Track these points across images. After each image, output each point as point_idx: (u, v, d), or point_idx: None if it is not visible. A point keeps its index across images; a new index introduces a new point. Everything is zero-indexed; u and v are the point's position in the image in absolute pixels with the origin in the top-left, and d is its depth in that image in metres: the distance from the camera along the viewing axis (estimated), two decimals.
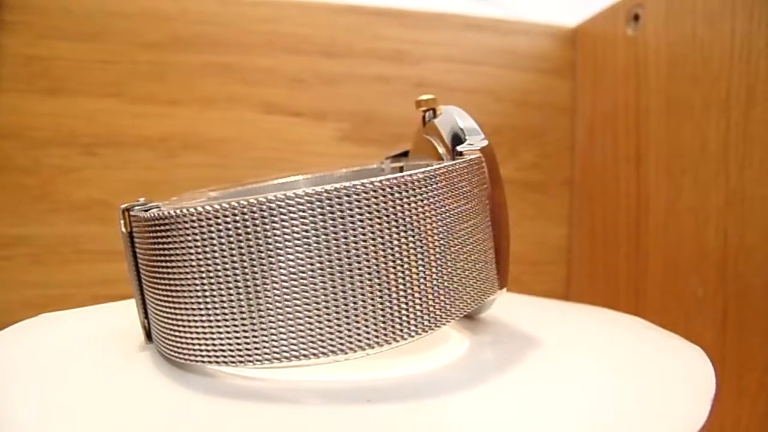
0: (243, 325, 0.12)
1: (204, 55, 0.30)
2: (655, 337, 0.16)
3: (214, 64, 0.30)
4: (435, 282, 0.12)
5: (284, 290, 0.12)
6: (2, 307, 0.27)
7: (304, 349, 0.12)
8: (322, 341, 0.12)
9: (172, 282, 0.13)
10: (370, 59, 0.31)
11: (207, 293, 0.12)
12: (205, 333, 0.12)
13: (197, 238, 0.12)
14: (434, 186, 0.12)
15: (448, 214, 0.13)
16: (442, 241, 0.12)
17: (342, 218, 0.12)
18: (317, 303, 0.12)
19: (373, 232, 0.12)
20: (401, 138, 0.32)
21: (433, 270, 0.12)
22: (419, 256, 0.12)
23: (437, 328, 0.12)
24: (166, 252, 0.13)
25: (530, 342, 0.15)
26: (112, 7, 0.29)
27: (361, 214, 0.12)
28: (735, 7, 0.22)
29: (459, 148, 0.14)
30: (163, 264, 0.13)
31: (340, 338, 0.12)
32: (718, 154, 0.23)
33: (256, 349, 0.12)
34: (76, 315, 0.18)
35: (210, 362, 0.13)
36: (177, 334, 0.13)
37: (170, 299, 0.13)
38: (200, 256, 0.12)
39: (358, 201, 0.12)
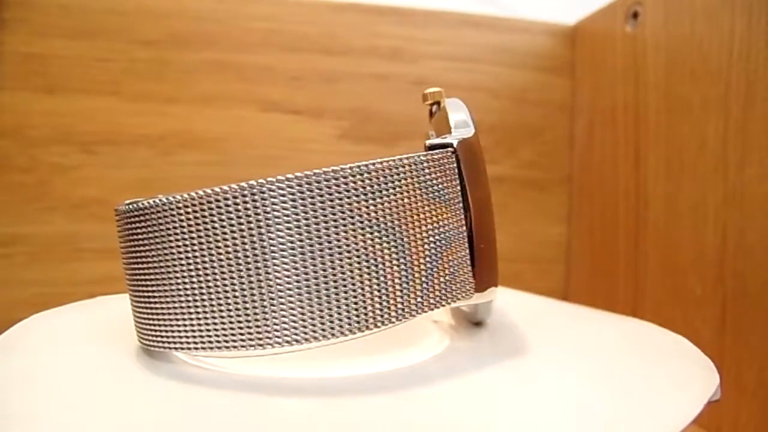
0: (228, 310, 0.12)
1: (202, 52, 0.30)
2: (652, 339, 0.16)
3: (213, 62, 0.30)
4: (388, 275, 0.12)
5: (277, 274, 0.12)
6: (0, 306, 0.27)
7: (296, 334, 0.12)
8: (304, 325, 0.12)
9: (146, 272, 0.13)
10: (368, 57, 0.31)
11: (188, 282, 0.12)
12: (191, 320, 0.12)
13: (168, 227, 0.12)
14: (388, 178, 0.12)
15: (403, 207, 0.12)
16: (393, 234, 0.12)
17: (322, 202, 0.12)
18: (299, 287, 0.12)
19: (342, 218, 0.12)
20: (400, 136, 0.32)
21: (391, 263, 0.12)
22: (376, 247, 0.12)
23: (396, 322, 0.12)
24: (142, 242, 0.13)
25: (513, 346, 0.15)
26: (110, 5, 0.29)
27: (339, 199, 0.12)
28: (734, 5, 0.22)
29: (428, 142, 0.14)
30: (138, 254, 0.13)
31: (322, 323, 0.12)
32: (717, 151, 0.23)
33: (240, 335, 0.12)
34: (115, 301, 0.18)
35: (187, 349, 0.13)
36: (153, 322, 0.13)
37: (146, 290, 0.13)
38: (180, 244, 0.12)
39: (337, 185, 0.12)
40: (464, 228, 0.13)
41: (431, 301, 0.13)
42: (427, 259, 0.13)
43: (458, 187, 0.13)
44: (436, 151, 0.13)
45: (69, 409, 0.11)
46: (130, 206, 0.13)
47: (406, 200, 0.12)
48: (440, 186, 0.13)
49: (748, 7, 0.22)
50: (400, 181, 0.12)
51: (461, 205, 0.13)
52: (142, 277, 0.13)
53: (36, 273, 0.28)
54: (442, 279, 0.13)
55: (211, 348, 0.12)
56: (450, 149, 0.13)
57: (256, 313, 0.12)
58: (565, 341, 0.15)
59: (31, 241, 0.28)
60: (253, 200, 0.12)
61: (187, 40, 0.29)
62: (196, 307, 0.12)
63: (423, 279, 0.12)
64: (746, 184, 0.22)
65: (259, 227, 0.12)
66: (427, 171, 0.13)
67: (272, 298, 0.12)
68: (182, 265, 0.12)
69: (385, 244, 0.12)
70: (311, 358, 0.13)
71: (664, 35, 0.26)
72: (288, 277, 0.12)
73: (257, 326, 0.12)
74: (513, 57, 0.33)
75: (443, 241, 0.13)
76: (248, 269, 0.12)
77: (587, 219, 0.32)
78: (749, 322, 0.21)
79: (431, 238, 0.13)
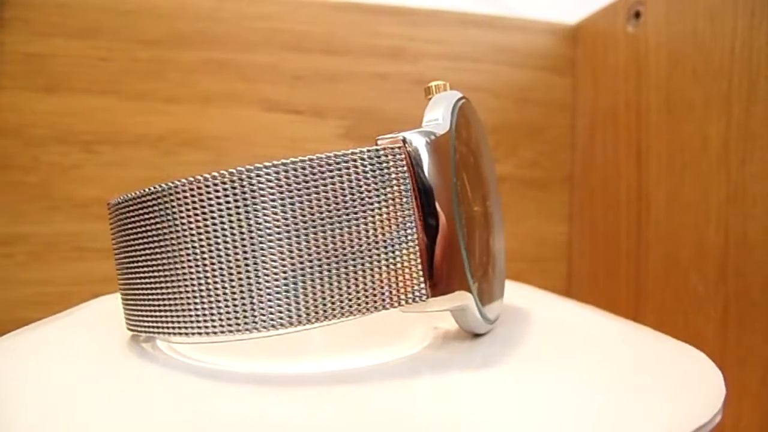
0: (225, 295, 0.12)
1: (203, 52, 0.30)
2: (652, 342, 0.16)
3: (214, 61, 0.30)
4: (332, 270, 0.12)
5: (264, 258, 0.12)
6: (1, 305, 0.27)
7: (281, 318, 0.12)
8: (299, 309, 0.12)
9: (133, 259, 0.13)
10: (369, 56, 0.31)
11: (176, 268, 0.12)
12: (177, 306, 0.13)
13: (156, 214, 0.13)
14: (331, 172, 0.12)
15: (344, 200, 0.12)
16: (340, 229, 0.12)
17: (299, 189, 0.12)
18: (286, 271, 0.12)
19: (309, 206, 0.12)
20: None
21: (337, 258, 0.12)
22: (326, 239, 0.12)
23: (333, 320, 0.12)
24: (130, 231, 0.13)
25: (500, 344, 0.14)
26: (110, 4, 0.29)
27: (308, 188, 0.12)
28: (736, 4, 0.22)
29: (379, 137, 0.13)
30: (126, 242, 0.14)
31: (311, 307, 0.12)
32: (719, 150, 0.23)
33: (234, 319, 0.12)
34: None
35: (172, 334, 0.13)
36: (138, 308, 0.14)
37: (133, 276, 0.14)
38: (168, 230, 0.12)
39: (304, 174, 0.12)
40: (413, 228, 0.13)
41: (366, 303, 0.12)
42: (358, 257, 0.12)
43: (407, 185, 0.13)
44: (381, 146, 0.13)
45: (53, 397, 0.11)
46: (121, 197, 0.13)
47: (344, 194, 0.12)
48: (382, 183, 0.12)
49: (750, 7, 0.22)
50: (340, 174, 0.12)
51: (410, 204, 0.13)
52: (130, 263, 0.14)
53: (37, 272, 0.28)
54: (376, 279, 0.12)
55: (198, 334, 0.12)
56: (398, 146, 0.13)
57: (246, 297, 0.12)
58: (556, 355, 0.14)
59: (33, 241, 0.28)
60: (250, 184, 0.12)
61: (188, 39, 0.29)
62: (183, 292, 0.12)
63: (356, 278, 0.12)
64: (748, 182, 0.22)
65: (247, 212, 0.12)
66: (366, 166, 0.12)
67: (262, 282, 0.12)
68: (170, 250, 0.12)
69: (330, 238, 0.12)
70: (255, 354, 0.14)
71: (665, 34, 0.26)
72: (275, 261, 0.12)
73: (245, 310, 0.12)
74: (514, 56, 0.33)
75: (383, 241, 0.12)
76: (238, 253, 0.12)
77: (589, 218, 0.32)
78: (751, 320, 0.21)
79: (369, 237, 0.12)
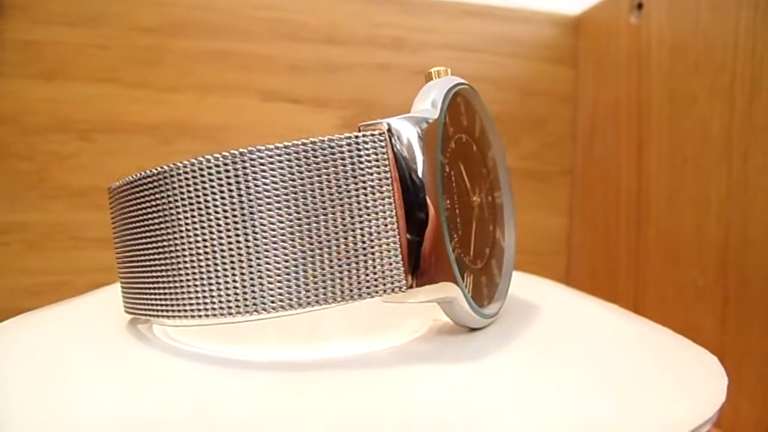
0: (224, 276, 0.12)
1: (202, 40, 0.29)
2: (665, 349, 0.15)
3: (213, 50, 0.30)
4: (315, 257, 0.12)
5: (265, 239, 0.12)
6: None
7: (281, 301, 0.12)
8: (290, 292, 0.12)
9: (133, 242, 0.13)
10: (370, 47, 0.31)
11: (174, 249, 0.12)
12: (176, 287, 0.13)
13: (156, 197, 0.13)
14: (308, 159, 0.12)
15: (320, 187, 0.12)
16: (315, 216, 0.12)
17: (295, 173, 0.12)
18: (285, 253, 0.12)
19: (302, 191, 0.12)
20: None
21: (316, 244, 0.12)
22: (308, 225, 0.12)
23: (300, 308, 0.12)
24: (131, 214, 0.13)
25: (494, 339, 0.14)
26: None
27: (292, 174, 0.12)
28: None
29: (361, 124, 0.13)
30: (127, 225, 0.14)
31: (308, 290, 0.12)
32: (721, 144, 0.23)
33: (231, 301, 0.12)
34: None
35: (173, 317, 0.13)
36: (137, 290, 0.14)
37: (132, 259, 0.14)
38: (168, 212, 0.12)
39: (307, 158, 0.12)
40: (392, 217, 0.12)
41: (342, 291, 0.12)
42: (334, 245, 0.12)
43: (387, 173, 0.12)
44: (362, 134, 0.12)
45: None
46: (121, 181, 0.13)
47: (320, 181, 0.12)
48: (360, 170, 0.12)
49: None
50: (317, 161, 0.12)
51: (390, 192, 0.12)
52: (129, 246, 0.14)
53: (34, 261, 0.28)
54: (353, 268, 0.12)
55: (198, 316, 0.12)
56: (379, 132, 0.12)
57: (244, 280, 0.12)
58: (551, 351, 0.14)
59: (30, 230, 0.28)
60: (252, 165, 0.12)
61: (187, 27, 0.29)
62: (182, 274, 0.12)
63: (330, 266, 0.12)
64: (750, 176, 0.22)
65: (249, 193, 0.12)
66: (345, 153, 0.12)
67: (263, 263, 0.12)
68: (169, 232, 0.12)
69: (315, 223, 0.12)
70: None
71: (668, 26, 0.26)
72: (276, 242, 0.12)
73: (245, 292, 0.12)
74: (516, 47, 0.33)
75: (360, 230, 0.12)
76: (239, 234, 0.12)
77: (589, 211, 0.32)
78: (751, 314, 0.21)
79: (346, 225, 0.12)
